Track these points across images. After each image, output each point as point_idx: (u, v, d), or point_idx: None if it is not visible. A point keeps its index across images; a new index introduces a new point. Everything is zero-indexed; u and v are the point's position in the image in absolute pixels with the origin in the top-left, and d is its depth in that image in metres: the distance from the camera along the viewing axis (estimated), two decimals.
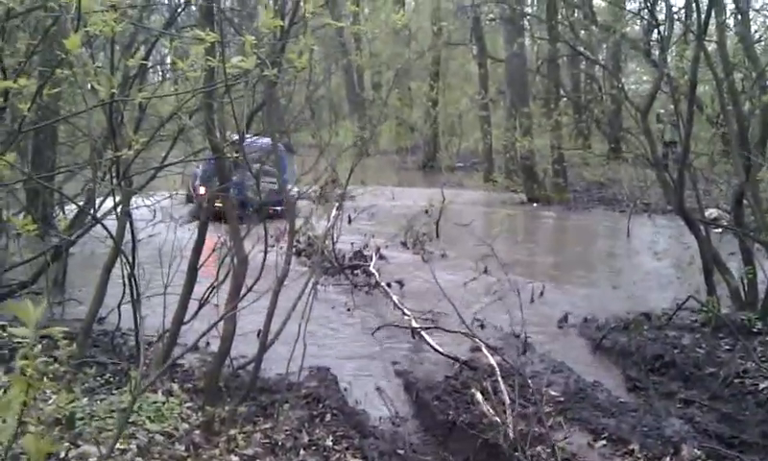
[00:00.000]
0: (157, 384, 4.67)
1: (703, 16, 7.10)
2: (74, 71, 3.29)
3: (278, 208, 6.98)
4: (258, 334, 4.69)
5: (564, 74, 23.69)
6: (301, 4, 3.39)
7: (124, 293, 5.26)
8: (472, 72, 24.41)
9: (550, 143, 16.73)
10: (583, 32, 14.61)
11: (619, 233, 13.15)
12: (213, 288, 5.48)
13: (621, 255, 12.09)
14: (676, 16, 9.03)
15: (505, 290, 8.06)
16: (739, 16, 8.01)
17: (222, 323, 4.24)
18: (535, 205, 16.89)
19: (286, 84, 5.94)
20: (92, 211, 5.05)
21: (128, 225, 5.07)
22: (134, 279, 4.06)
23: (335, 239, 9.43)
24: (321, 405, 5.07)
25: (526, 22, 18.83)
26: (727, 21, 8.61)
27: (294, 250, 10.03)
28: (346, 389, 5.73)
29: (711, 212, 12.00)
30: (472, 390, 5.03)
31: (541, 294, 8.63)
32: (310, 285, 4.83)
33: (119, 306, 5.55)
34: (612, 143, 20.38)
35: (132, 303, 4.87)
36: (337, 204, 7.58)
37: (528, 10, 20.17)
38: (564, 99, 19.77)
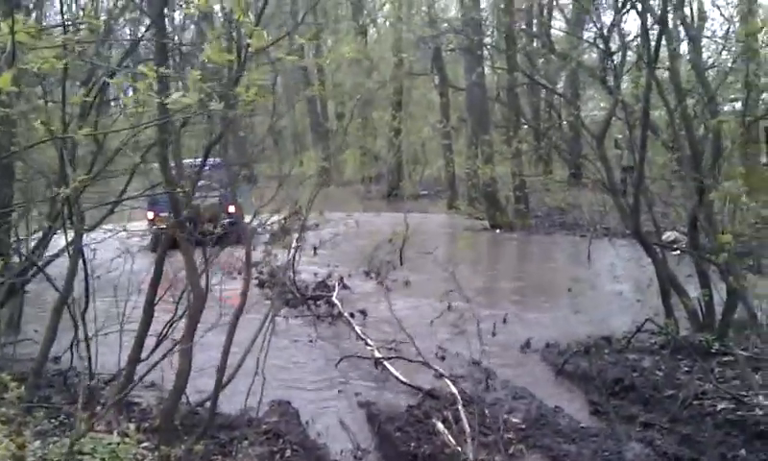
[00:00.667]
0: (113, 425, 4.56)
1: (654, 45, 7.26)
2: (9, 112, 3.23)
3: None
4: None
5: (524, 102, 24.05)
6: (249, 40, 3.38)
7: (77, 332, 5.15)
8: (434, 101, 24.67)
9: (511, 170, 16.90)
10: (541, 61, 14.87)
11: (580, 258, 13.29)
12: (171, 324, 5.41)
13: (582, 280, 12.19)
14: (629, 44, 9.20)
15: (468, 319, 8.12)
16: (691, 44, 8.21)
17: (177, 359, 4.18)
18: (498, 231, 17.02)
19: (248, 115, 5.95)
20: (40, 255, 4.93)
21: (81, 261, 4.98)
22: (84, 320, 3.96)
23: (296, 270, 9.39)
24: (281, 441, 5.00)
25: (486, 52, 19.10)
26: (678, 48, 8.83)
27: (256, 281, 10.08)
28: (307, 422, 5.67)
29: (669, 235, 12.21)
30: (434, 420, 5.00)
31: (504, 321, 8.65)
32: (270, 317, 4.79)
33: (71, 346, 5.43)
34: (571, 169, 20.68)
35: (85, 342, 4.76)
36: (297, 234, 7.54)
37: (487, 40, 20.46)
38: (525, 126, 20.02)
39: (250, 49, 3.54)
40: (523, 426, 5.26)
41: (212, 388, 4.72)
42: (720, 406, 5.43)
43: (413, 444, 4.94)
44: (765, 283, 7.47)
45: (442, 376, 5.99)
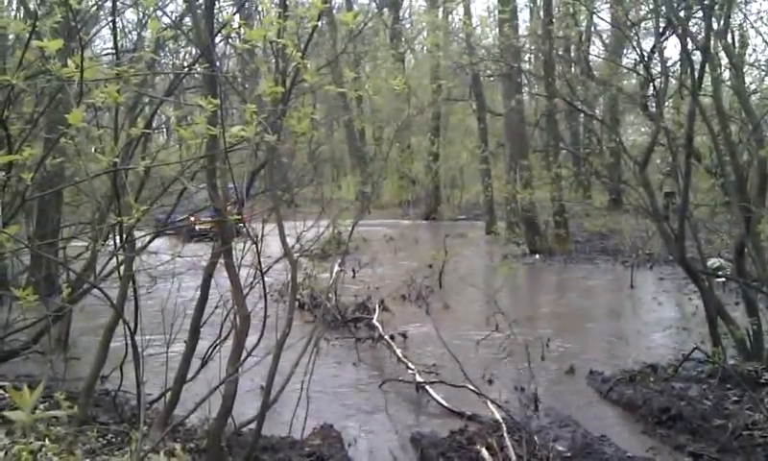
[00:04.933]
0: (159, 445, 4.63)
1: (697, 72, 7.21)
2: (76, 141, 3.34)
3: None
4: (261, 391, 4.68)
5: (563, 127, 23.98)
6: (301, 71, 3.46)
7: (126, 353, 5.25)
8: (472, 126, 24.72)
9: (551, 195, 16.82)
10: (580, 87, 14.83)
11: (623, 284, 13.13)
12: (215, 346, 5.49)
13: (625, 306, 12.05)
14: (671, 71, 9.15)
15: (511, 345, 8.07)
16: (734, 70, 8.14)
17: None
18: (537, 256, 16.90)
19: (290, 142, 6.04)
20: (93, 276, 5.06)
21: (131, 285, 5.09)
22: (134, 343, 4.04)
23: (337, 292, 9.45)
24: None
25: (524, 78, 19.12)
26: (721, 75, 8.75)
27: (297, 303, 10.16)
28: (350, 445, 5.67)
29: (714, 262, 11.98)
30: (478, 446, 4.96)
31: (547, 346, 8.58)
32: (313, 341, 4.83)
33: (121, 366, 5.53)
34: (612, 194, 20.50)
35: (134, 364, 4.85)
36: (339, 259, 7.60)
37: (525, 66, 20.50)
38: (564, 151, 19.94)
39: (300, 82, 3.61)
40: (569, 454, 5.19)
41: (255, 410, 4.78)
42: None
43: None
44: None
45: (486, 400, 5.94)
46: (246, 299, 4.54)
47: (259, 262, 4.11)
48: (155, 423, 4.85)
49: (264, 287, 4.28)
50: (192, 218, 6.49)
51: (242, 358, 4.07)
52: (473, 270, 14.76)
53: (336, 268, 7.95)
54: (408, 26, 33.16)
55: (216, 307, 5.55)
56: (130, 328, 4.21)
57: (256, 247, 4.28)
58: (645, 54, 9.24)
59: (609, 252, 17.15)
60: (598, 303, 12.28)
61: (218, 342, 5.47)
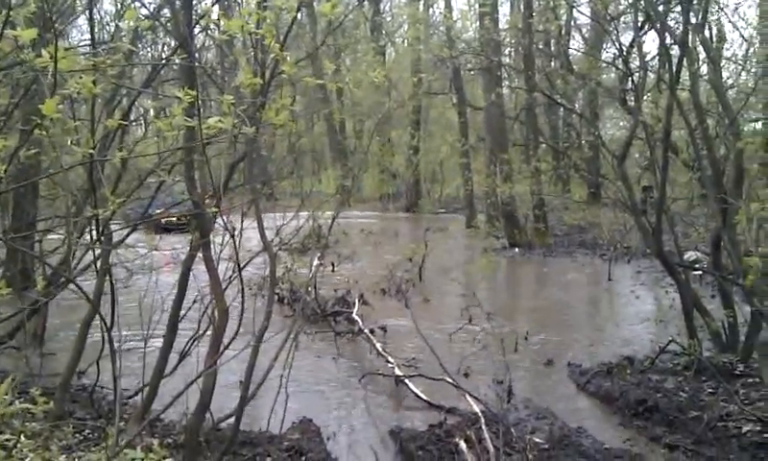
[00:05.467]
0: (136, 440, 4.59)
1: (675, 66, 7.27)
2: (51, 133, 3.29)
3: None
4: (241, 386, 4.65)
5: (543, 121, 24.10)
6: (280, 63, 3.43)
7: (103, 348, 5.21)
8: (452, 120, 24.74)
9: (530, 189, 16.91)
10: (559, 81, 14.91)
11: (601, 277, 13.23)
12: (194, 341, 5.45)
13: (603, 299, 12.17)
14: (649, 65, 9.22)
15: (489, 337, 8.11)
16: (711, 65, 8.22)
17: (202, 376, 4.20)
18: (516, 249, 16.99)
19: (269, 135, 6.01)
20: (69, 270, 5.00)
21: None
22: (111, 338, 4.00)
23: (317, 286, 9.44)
24: (303, 458, 5.01)
25: (504, 72, 19.18)
26: (699, 70, 8.83)
27: (276, 297, 10.14)
28: (329, 439, 5.67)
29: (691, 255, 12.11)
30: (456, 439, 4.98)
31: (525, 339, 8.64)
32: (292, 336, 4.82)
33: (98, 361, 5.48)
34: (591, 188, 20.64)
35: (111, 359, 4.80)
36: (319, 252, 7.58)
37: (506, 60, 20.55)
38: (543, 145, 20.05)
39: (280, 74, 3.58)
40: (546, 447, 5.22)
41: (234, 404, 4.76)
42: (745, 428, 5.37)
43: None
44: None
45: (466, 394, 5.97)
46: (225, 293, 4.51)
47: (236, 256, 4.09)
48: (132, 418, 4.82)
49: (242, 281, 4.25)
50: (161, 212, 6.43)
51: (220, 353, 4.04)
52: (453, 263, 14.79)
53: (315, 262, 7.92)
54: (389, 19, 33.11)
55: (194, 302, 5.53)
56: (105, 323, 4.16)
57: (233, 240, 4.24)
58: (624, 48, 9.31)
59: (587, 245, 17.27)
60: (577, 297, 12.37)
61: (196, 336, 5.43)
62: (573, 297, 12.28)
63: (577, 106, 22.02)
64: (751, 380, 6.41)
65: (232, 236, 4.28)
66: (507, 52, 24.29)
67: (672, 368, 7.11)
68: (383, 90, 23.59)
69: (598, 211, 18.29)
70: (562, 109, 18.76)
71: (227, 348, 4.11)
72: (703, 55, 8.86)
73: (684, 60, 7.38)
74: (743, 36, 10.34)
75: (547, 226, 18.10)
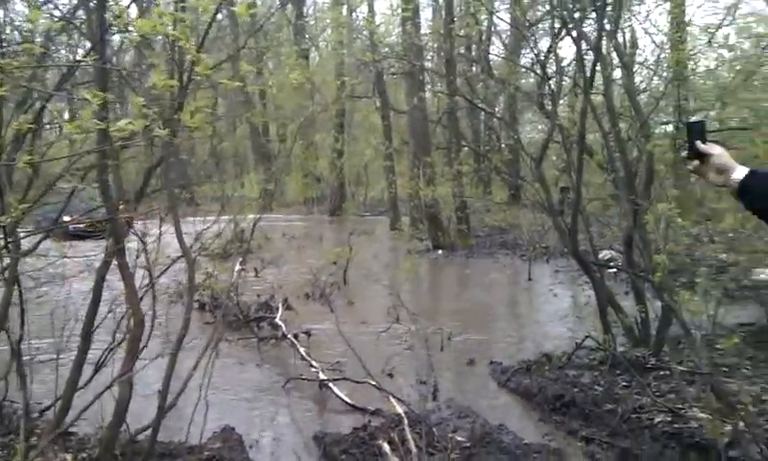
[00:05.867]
0: (50, 455, 4.42)
1: (589, 71, 7.50)
2: None
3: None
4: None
5: (465, 125, 24.49)
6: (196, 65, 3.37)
7: (11, 360, 4.99)
8: (376, 123, 24.86)
9: (453, 191, 17.15)
10: (480, 85, 15.19)
11: (521, 277, 13.55)
12: (110, 351, 5.29)
13: (523, 298, 12.45)
14: (566, 70, 9.49)
15: (413, 338, 8.18)
16: (624, 70, 8.51)
17: (118, 387, 4.09)
18: (440, 251, 17.20)
19: (189, 138, 5.89)
20: None
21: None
22: (20, 350, 3.84)
23: (239, 292, 9.31)
24: None
25: (427, 76, 19.41)
26: (612, 74, 9.13)
27: (197, 304, 9.96)
28: (251, 447, 5.59)
29: (606, 254, 12.54)
30: (379, 441, 5.00)
31: (449, 339, 8.75)
32: (212, 343, 4.73)
33: (7, 374, 5.25)
34: (511, 190, 21.10)
35: (19, 371, 4.62)
36: (241, 257, 7.48)
37: (428, 64, 20.80)
38: (465, 148, 20.37)
39: (193, 75, 3.52)
40: (468, 445, 5.30)
41: (154, 416, 4.65)
42: (657, 419, 5.58)
43: None
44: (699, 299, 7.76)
45: (388, 395, 6.00)
46: (141, 301, 4.40)
47: (147, 262, 3.99)
48: (44, 432, 4.63)
49: (153, 288, 4.15)
50: (72, 218, 6.21)
51: (134, 362, 3.93)
52: (378, 266, 14.85)
53: (237, 267, 7.80)
54: (312, 23, 33.02)
55: (109, 311, 5.36)
56: (9, 335, 3.99)
57: (144, 246, 4.14)
58: (542, 54, 9.54)
59: (508, 246, 17.65)
60: (498, 296, 12.62)
61: (112, 347, 5.27)
62: (495, 297, 12.53)
63: (498, 110, 22.55)
64: (662, 373, 6.67)
65: (143, 242, 4.18)
66: (430, 56, 24.64)
67: (588, 363, 7.34)
68: (307, 94, 23.53)
69: (518, 213, 18.73)
70: (483, 112, 19.13)
71: (136, 355, 4.00)
72: (617, 60, 9.16)
73: (598, 65, 7.63)
74: (654, 42, 10.75)
75: (469, 227, 18.40)
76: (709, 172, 2.22)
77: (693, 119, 2.42)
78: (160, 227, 5.21)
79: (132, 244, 4.68)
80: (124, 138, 3.19)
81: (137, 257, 4.66)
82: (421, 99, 17.26)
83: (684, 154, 2.28)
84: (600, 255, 11.96)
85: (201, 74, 3.35)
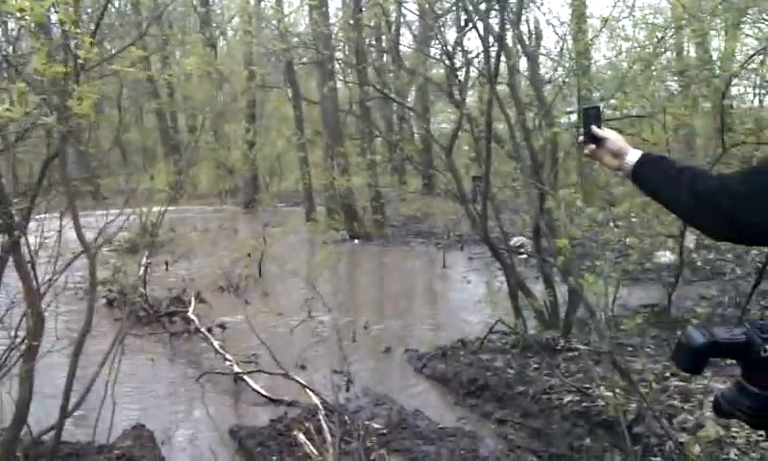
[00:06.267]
0: None
1: (494, 61, 7.63)
2: None
3: None
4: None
5: (379, 115, 24.56)
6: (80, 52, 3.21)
7: None
8: (289, 114, 24.56)
9: (367, 181, 17.17)
10: (391, 75, 15.21)
11: (436, 265, 13.70)
12: (9, 351, 5.02)
13: (438, 286, 12.60)
14: (472, 61, 9.61)
15: (329, 329, 8.16)
16: (529, 60, 8.70)
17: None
18: (356, 241, 17.21)
19: (93, 129, 5.64)
20: None
21: None
22: None
23: (149, 286, 9.05)
24: None
25: (338, 66, 19.31)
26: (518, 65, 9.33)
27: (104, 300, 9.63)
28: (163, 443, 5.45)
29: (517, 240, 12.84)
30: (294, 432, 4.96)
31: (365, 328, 8.77)
32: (119, 339, 4.56)
33: None
34: (425, 179, 21.31)
35: None
36: (149, 251, 7.25)
37: (339, 54, 20.68)
38: (379, 138, 20.45)
39: (80, 61, 3.35)
40: (384, 431, 5.32)
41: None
42: (566, 399, 5.75)
43: (274, 458, 4.88)
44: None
45: (303, 386, 5.96)
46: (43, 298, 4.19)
47: (31, 257, 3.79)
48: None
49: (52, 285, 3.96)
50: None
51: (34, 361, 3.74)
52: (293, 257, 14.70)
53: (143, 260, 7.56)
54: (219, 11, 32.33)
55: (8, 309, 5.10)
56: None
57: (27, 241, 3.95)
58: (449, 45, 9.64)
59: (423, 234, 17.80)
60: (414, 284, 12.75)
61: (12, 347, 5.01)
62: (410, 285, 12.64)
63: (410, 100, 22.72)
64: (571, 354, 6.88)
65: (23, 236, 3.98)
66: (340, 46, 24.56)
67: (501, 347, 7.49)
68: (215, 83, 23.04)
69: (432, 202, 18.95)
70: (395, 103, 19.23)
71: (35, 354, 3.81)
72: (521, 51, 9.36)
73: (503, 55, 7.77)
74: (557, 34, 11.07)
75: (384, 217, 18.47)
76: (605, 156, 2.28)
77: (588, 105, 2.50)
78: (61, 221, 4.98)
79: (31, 239, 4.46)
80: (14, 127, 3.02)
81: (35, 253, 4.44)
82: (331, 89, 17.15)
83: (580, 139, 2.35)
84: (512, 242, 12.25)
85: (89, 60, 3.18)
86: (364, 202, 18.23)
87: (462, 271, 12.92)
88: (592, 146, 2.30)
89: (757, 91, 13.60)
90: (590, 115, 2.31)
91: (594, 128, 2.28)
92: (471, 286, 11.64)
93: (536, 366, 6.69)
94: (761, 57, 8.95)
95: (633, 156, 2.22)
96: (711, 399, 1.93)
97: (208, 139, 26.74)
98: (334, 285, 12.57)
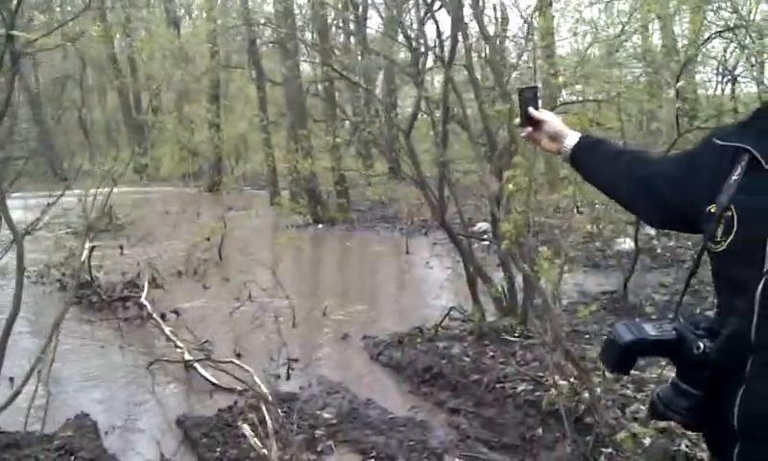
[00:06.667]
0: None
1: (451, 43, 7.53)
2: None
3: None
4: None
5: (346, 97, 24.28)
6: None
7: None
8: (253, 95, 24.20)
9: (331, 165, 16.99)
10: (359, 57, 15.00)
11: (399, 250, 13.61)
12: None
13: (401, 272, 12.51)
14: (435, 44, 9.47)
15: (287, 315, 8.01)
16: (488, 43, 8.58)
17: None
18: (320, 226, 17.05)
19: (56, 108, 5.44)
20: None
21: None
22: None
23: (92, 271, 8.85)
24: (73, 457, 4.60)
25: (303, 47, 19.03)
26: (483, 50, 9.21)
27: (58, 283, 9.40)
28: (107, 433, 5.29)
29: (481, 226, 12.79)
30: (239, 423, 4.83)
31: (324, 314, 8.64)
32: (54, 325, 4.39)
33: None
34: (390, 164, 21.14)
35: None
36: (92, 233, 7.04)
37: (307, 36, 20.38)
38: (345, 121, 20.23)
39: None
40: (334, 422, 5.22)
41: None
42: (520, 388, 5.69)
43: (219, 449, 4.75)
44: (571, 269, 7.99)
45: (252, 374, 5.82)
46: None
47: None
48: None
49: None
50: None
51: None
52: (256, 242, 14.52)
53: (86, 244, 7.33)
54: None
55: None
56: None
57: None
58: (409, 27, 9.47)
59: (388, 219, 17.68)
60: (376, 270, 12.65)
61: None
62: (372, 270, 12.54)
63: (378, 83, 22.46)
64: (527, 342, 6.83)
65: None
66: (308, 27, 24.25)
67: (459, 334, 7.41)
68: (179, 63, 22.64)
69: (398, 186, 18.79)
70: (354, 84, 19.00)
71: None
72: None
73: (462, 39, 7.64)
74: (523, 18, 10.95)
75: (349, 201, 18.31)
76: (543, 139, 2.18)
77: (525, 85, 2.38)
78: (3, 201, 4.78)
79: None
80: None
81: None
82: (294, 68, 16.86)
83: (517, 121, 2.24)
84: (476, 227, 12.20)
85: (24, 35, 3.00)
86: (329, 186, 18.04)
87: (425, 256, 12.84)
88: (529, 128, 2.19)
89: (719, 79, 13.66)
90: (528, 96, 2.19)
91: (531, 110, 2.17)
92: (434, 272, 11.57)
93: (492, 354, 6.62)
94: (724, 45, 9.00)
95: (571, 139, 2.11)
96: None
97: (172, 121, 26.36)
98: (296, 270, 12.43)
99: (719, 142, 1.73)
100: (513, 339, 6.93)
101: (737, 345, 1.57)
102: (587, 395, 5.12)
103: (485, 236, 10.62)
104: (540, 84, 9.97)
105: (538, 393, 5.55)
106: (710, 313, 1.98)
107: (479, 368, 6.24)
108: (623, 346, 1.64)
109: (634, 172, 1.96)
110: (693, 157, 1.87)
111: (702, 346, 1.60)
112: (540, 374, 5.79)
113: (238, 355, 6.83)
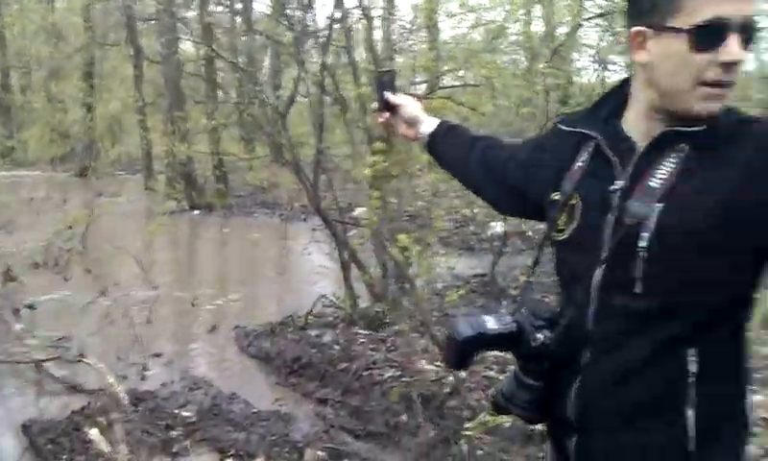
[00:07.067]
0: None
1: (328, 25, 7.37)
2: None
3: None
4: None
5: (230, 79, 23.55)
6: None
7: None
8: (129, 74, 23.07)
9: (210, 148, 16.44)
10: (244, 38, 14.55)
11: (278, 237, 13.36)
12: None
13: (278, 258, 12.27)
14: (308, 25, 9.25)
15: (150, 308, 7.65)
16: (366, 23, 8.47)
17: None
18: (196, 212, 16.49)
19: None
20: None
21: None
22: None
23: None
24: None
25: (184, 26, 18.27)
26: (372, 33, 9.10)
27: None
28: None
29: (361, 211, 12.73)
30: (86, 428, 4.52)
31: (193, 304, 8.32)
32: None
33: None
34: (272, 148, 20.76)
35: None
36: None
37: (190, 14, 19.57)
38: (225, 103, 19.63)
39: None
40: (194, 420, 4.99)
41: None
42: (387, 374, 5.66)
43: (65, 457, 4.43)
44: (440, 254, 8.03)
45: (106, 374, 5.49)
46: None
47: None
48: None
49: None
50: None
51: None
52: (126, 229, 13.85)
53: None
54: None
55: None
56: None
57: None
58: (295, 11, 9.23)
59: (268, 205, 17.32)
60: (252, 257, 12.34)
61: None
62: (249, 258, 12.23)
63: (265, 65, 21.93)
64: (398, 327, 6.81)
65: None
66: (192, 4, 23.32)
67: (332, 322, 7.32)
68: (52, 39, 21.32)
69: (279, 171, 18.43)
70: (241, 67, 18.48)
71: None
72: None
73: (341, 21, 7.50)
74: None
75: (227, 186, 17.80)
76: (400, 125, 2.09)
77: (382, 69, 2.27)
78: None
79: None
80: None
81: None
82: (171, 44, 16.19)
83: (374, 105, 2.13)
84: (355, 213, 12.12)
85: None
86: (207, 171, 17.47)
87: (303, 243, 12.60)
88: (386, 114, 2.08)
89: (595, 66, 14.16)
90: (385, 80, 2.08)
91: (388, 94, 2.06)
92: (311, 259, 11.39)
93: (362, 341, 6.56)
94: (599, 33, 9.32)
95: (428, 125, 2.04)
96: None
97: (42, 100, 24.87)
98: (168, 259, 11.94)
99: (565, 128, 1.68)
100: (383, 325, 6.90)
101: (574, 335, 1.53)
102: (451, 378, 5.16)
103: (361, 222, 10.55)
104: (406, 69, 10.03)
105: (404, 378, 5.53)
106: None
107: (348, 356, 6.16)
108: (461, 342, 1.56)
109: (486, 159, 1.91)
110: (541, 143, 1.84)
111: (540, 338, 1.55)
112: (401, 359, 5.77)
113: (96, 353, 6.43)
